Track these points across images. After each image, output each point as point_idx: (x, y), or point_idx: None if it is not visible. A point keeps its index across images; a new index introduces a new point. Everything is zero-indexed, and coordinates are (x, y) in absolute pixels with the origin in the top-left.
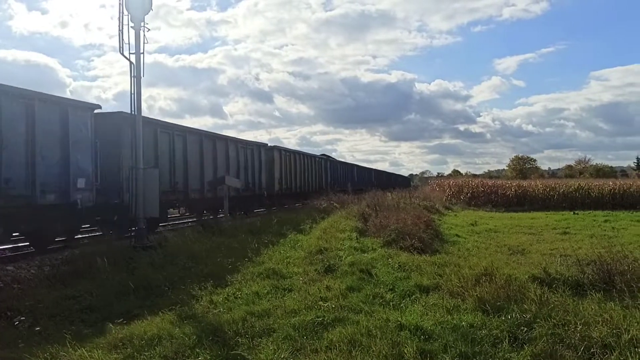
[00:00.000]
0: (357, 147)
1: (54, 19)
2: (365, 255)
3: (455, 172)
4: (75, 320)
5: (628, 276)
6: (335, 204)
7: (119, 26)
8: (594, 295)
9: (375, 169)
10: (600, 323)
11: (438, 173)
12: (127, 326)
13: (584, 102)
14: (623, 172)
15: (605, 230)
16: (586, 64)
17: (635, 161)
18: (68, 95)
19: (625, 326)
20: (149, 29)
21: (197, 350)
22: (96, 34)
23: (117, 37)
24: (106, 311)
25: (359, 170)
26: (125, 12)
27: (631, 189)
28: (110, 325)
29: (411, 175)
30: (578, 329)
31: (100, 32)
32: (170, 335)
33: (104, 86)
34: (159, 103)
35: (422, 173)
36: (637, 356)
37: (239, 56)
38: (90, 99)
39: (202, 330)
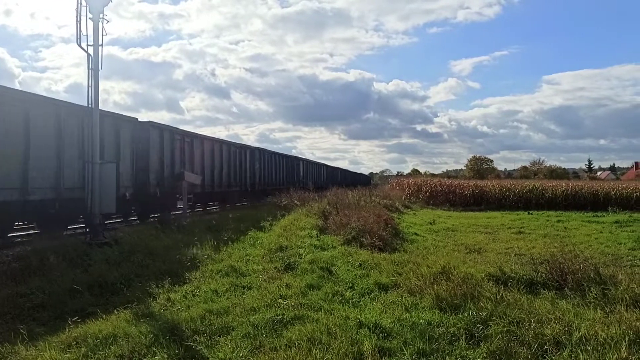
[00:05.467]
0: (317, 145)
1: None
2: (326, 253)
3: (415, 171)
4: (27, 318)
5: (579, 275)
6: (296, 202)
7: (77, 17)
8: (547, 293)
9: (336, 167)
10: (553, 321)
11: (398, 172)
12: (82, 325)
13: (536, 105)
14: (575, 174)
15: (558, 230)
16: (538, 67)
17: (587, 163)
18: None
19: (576, 324)
20: (108, 21)
21: (154, 349)
22: (43, 23)
23: (72, 27)
24: (59, 309)
25: (320, 167)
26: (84, 3)
27: (583, 191)
28: (65, 323)
29: (371, 173)
30: (532, 326)
31: (47, 21)
32: (126, 334)
33: (55, 78)
34: (113, 97)
35: (382, 172)
36: (587, 353)
37: (194, 51)
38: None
39: (160, 329)
